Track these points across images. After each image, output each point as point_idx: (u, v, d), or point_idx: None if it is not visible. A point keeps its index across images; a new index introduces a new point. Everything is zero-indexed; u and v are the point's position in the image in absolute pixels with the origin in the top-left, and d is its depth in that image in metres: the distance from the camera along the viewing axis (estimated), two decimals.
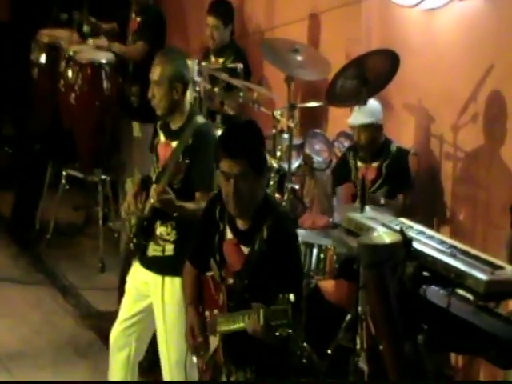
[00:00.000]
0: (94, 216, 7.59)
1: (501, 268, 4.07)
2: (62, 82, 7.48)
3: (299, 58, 6.29)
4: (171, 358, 4.96)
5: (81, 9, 7.97)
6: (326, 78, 6.18)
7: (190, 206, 4.78)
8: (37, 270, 7.22)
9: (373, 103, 5.75)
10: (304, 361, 5.74)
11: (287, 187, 5.96)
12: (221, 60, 7.17)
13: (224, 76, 6.52)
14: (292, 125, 5.96)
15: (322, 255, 5.60)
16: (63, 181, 7.65)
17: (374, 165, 5.90)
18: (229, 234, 4.08)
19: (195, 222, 4.65)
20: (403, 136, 6.18)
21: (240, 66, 6.76)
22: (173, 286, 4.90)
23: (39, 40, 7.72)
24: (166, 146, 4.98)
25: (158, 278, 4.96)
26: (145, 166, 7.52)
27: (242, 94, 6.49)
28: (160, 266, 4.97)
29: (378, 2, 6.31)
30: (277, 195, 6.03)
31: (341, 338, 5.75)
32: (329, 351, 5.77)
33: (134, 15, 7.75)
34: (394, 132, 6.09)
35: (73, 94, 7.44)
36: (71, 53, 7.46)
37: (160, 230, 4.93)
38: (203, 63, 6.79)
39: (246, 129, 4.22)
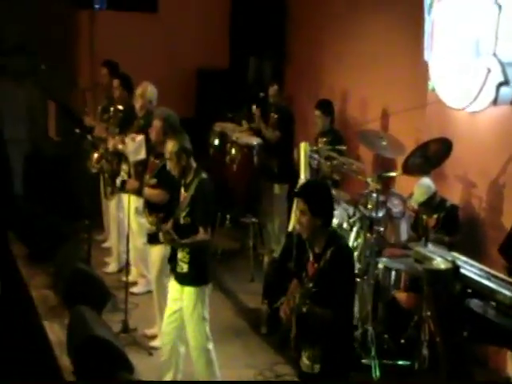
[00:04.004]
0: (246, 245, 7.63)
1: None
2: (228, 157, 7.60)
3: (384, 142, 6.30)
4: (191, 343, 5.01)
5: (239, 111, 8.23)
6: (402, 156, 6.20)
7: (186, 241, 4.86)
8: None
9: (424, 183, 5.66)
10: (385, 346, 5.71)
11: (375, 229, 5.95)
12: (324, 139, 7.11)
13: (334, 154, 6.60)
14: (378, 187, 5.97)
15: (398, 276, 5.54)
16: (227, 222, 7.84)
17: (434, 216, 5.78)
18: (310, 256, 4.02)
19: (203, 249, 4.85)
20: (454, 196, 6.10)
21: (343, 147, 6.80)
22: (188, 293, 4.95)
23: (214, 129, 7.87)
24: (184, 196, 5.01)
25: (180, 287, 5.00)
26: (281, 214, 7.68)
27: (345, 166, 6.56)
28: (181, 280, 5.00)
29: (437, 106, 6.28)
30: (368, 235, 5.97)
31: (410, 332, 5.69)
32: (402, 341, 5.72)
33: (272, 114, 7.90)
34: (447, 193, 6.02)
35: (234, 166, 7.56)
36: (234, 138, 7.61)
37: (179, 254, 4.97)
38: (314, 146, 6.82)
39: (317, 183, 4.27)
